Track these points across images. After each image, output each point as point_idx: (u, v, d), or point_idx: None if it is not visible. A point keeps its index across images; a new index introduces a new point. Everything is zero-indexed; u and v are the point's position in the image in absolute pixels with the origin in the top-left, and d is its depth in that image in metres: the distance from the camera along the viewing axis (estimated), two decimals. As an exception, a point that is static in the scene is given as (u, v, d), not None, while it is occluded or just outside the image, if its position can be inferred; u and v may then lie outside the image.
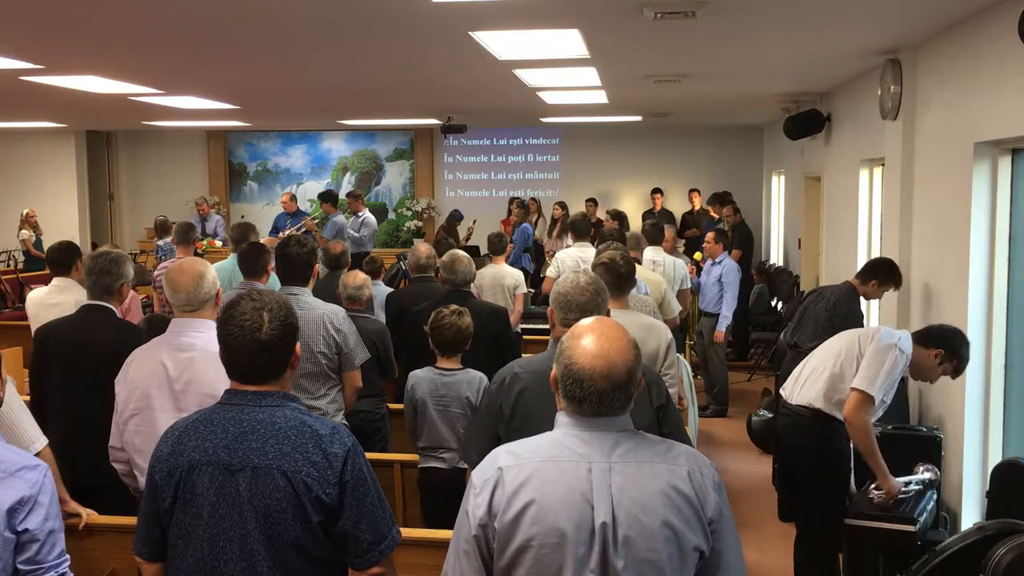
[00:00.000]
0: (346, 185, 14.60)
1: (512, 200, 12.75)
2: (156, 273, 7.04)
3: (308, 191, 14.62)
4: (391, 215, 15.05)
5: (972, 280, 4.56)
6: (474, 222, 12.55)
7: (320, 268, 7.09)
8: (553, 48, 5.68)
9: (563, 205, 12.22)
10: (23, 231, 12.23)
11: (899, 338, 3.91)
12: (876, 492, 3.96)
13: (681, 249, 10.07)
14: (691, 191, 12.93)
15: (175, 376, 3.10)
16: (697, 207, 12.69)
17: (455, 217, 12.62)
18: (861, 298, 5.36)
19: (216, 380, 3.05)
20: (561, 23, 4.89)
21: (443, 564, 2.00)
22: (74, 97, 8.10)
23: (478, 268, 5.93)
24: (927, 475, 4.15)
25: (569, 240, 7.81)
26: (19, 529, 2.25)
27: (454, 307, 4.13)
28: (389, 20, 4.78)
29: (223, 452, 2.14)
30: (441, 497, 3.94)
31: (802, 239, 9.69)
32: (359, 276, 5.12)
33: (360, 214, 10.84)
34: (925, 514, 4.01)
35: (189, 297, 3.19)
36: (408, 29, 5.03)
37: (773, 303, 10.51)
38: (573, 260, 6.72)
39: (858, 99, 7.10)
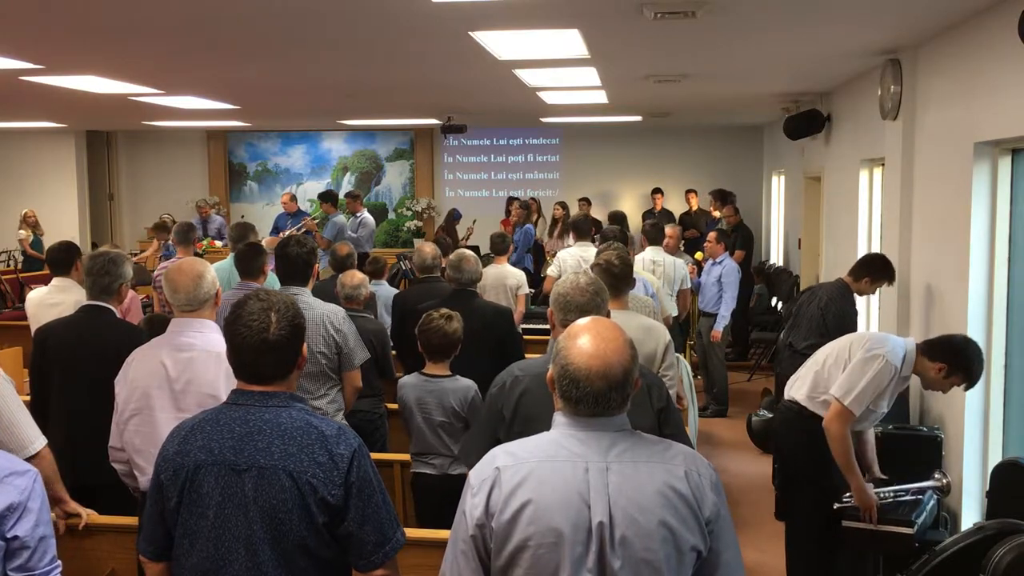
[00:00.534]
0: (346, 185, 14.60)
1: (510, 200, 12.75)
2: (156, 273, 7.04)
3: (308, 191, 14.62)
4: (391, 215, 15.06)
5: (972, 280, 4.56)
6: (474, 222, 12.55)
7: (325, 269, 7.10)
8: (553, 48, 5.68)
9: (563, 205, 12.23)
10: (21, 231, 12.25)
11: (889, 348, 3.82)
12: (849, 501, 3.94)
13: (681, 249, 10.07)
14: (688, 192, 12.92)
15: (175, 376, 3.10)
16: (694, 207, 12.69)
17: (453, 216, 12.63)
18: (856, 295, 5.36)
19: (216, 380, 3.07)
20: (561, 23, 4.89)
21: (441, 564, 2.01)
22: (74, 97, 8.10)
23: (480, 268, 5.92)
24: (928, 483, 4.12)
25: (570, 240, 7.81)
26: (8, 536, 2.23)
27: (444, 311, 4.04)
28: (389, 20, 4.78)
29: (229, 452, 2.14)
30: (432, 502, 3.93)
31: (802, 239, 9.68)
32: (356, 276, 5.11)
33: (358, 215, 10.85)
34: (924, 515, 4.01)
35: (188, 297, 3.19)
36: (408, 29, 5.03)
37: (773, 303, 10.51)
38: (575, 259, 6.72)
39: (858, 99, 7.10)
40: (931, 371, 3.84)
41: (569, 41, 5.38)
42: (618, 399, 1.94)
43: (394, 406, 4.90)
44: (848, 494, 3.94)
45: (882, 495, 3.98)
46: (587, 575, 1.85)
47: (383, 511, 2.18)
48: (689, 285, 7.30)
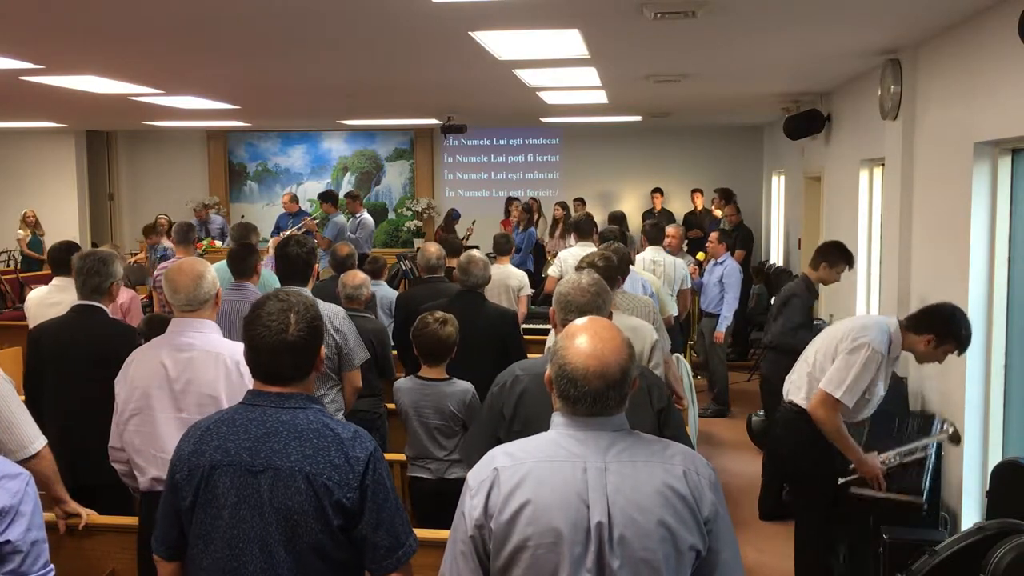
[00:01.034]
0: (346, 185, 14.60)
1: (509, 200, 12.76)
2: (156, 273, 7.04)
3: (308, 191, 14.62)
4: (391, 215, 15.05)
5: (972, 280, 4.56)
6: (473, 223, 12.55)
7: (325, 269, 7.11)
8: (553, 48, 5.68)
9: (564, 205, 12.24)
10: (19, 231, 12.25)
11: (873, 335, 3.83)
12: (854, 475, 3.95)
13: (685, 249, 10.07)
14: (694, 191, 12.92)
15: (175, 376, 3.10)
16: (700, 207, 12.67)
17: (452, 216, 12.63)
18: (821, 284, 5.44)
19: (216, 380, 3.07)
20: (561, 23, 4.89)
21: (440, 565, 2.00)
22: (74, 97, 8.10)
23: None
24: (933, 438, 4.08)
25: (571, 240, 7.80)
26: (0, 540, 2.20)
27: (439, 315, 4.02)
28: (389, 20, 4.78)
29: (245, 453, 2.14)
30: (428, 505, 3.93)
31: (802, 239, 9.68)
32: (358, 276, 5.12)
33: (358, 215, 10.86)
34: (929, 475, 4.00)
35: (189, 297, 3.19)
36: (408, 29, 5.03)
37: (772, 303, 10.49)
38: (576, 259, 6.71)
39: (858, 99, 7.10)
40: (920, 344, 3.88)
41: (569, 41, 5.37)
42: (616, 399, 1.94)
43: (393, 406, 4.91)
44: (852, 467, 3.96)
45: (887, 460, 3.98)
46: (586, 575, 1.85)
47: (397, 516, 2.17)
48: (689, 285, 7.30)
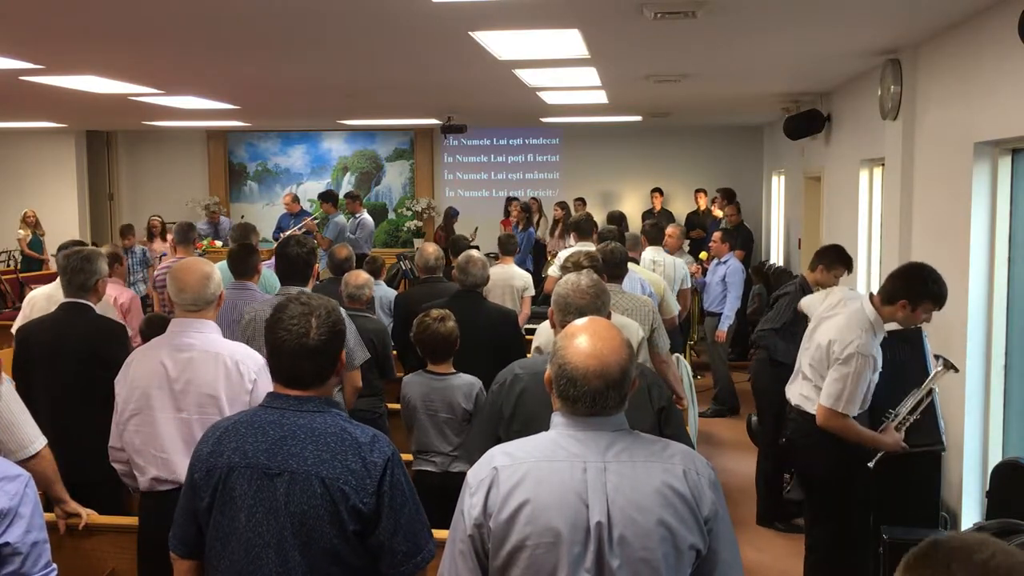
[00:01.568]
0: (346, 185, 14.60)
1: (509, 200, 12.75)
2: (156, 273, 7.04)
3: (308, 191, 14.62)
4: (391, 215, 15.06)
5: (972, 280, 4.56)
6: (475, 230, 12.51)
7: (325, 270, 7.11)
8: (553, 48, 5.68)
9: (563, 205, 12.24)
10: (19, 231, 12.25)
11: (855, 337, 3.82)
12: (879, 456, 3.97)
13: (687, 250, 10.07)
14: (697, 191, 12.91)
15: (175, 376, 3.10)
16: (703, 207, 12.66)
17: (451, 214, 12.63)
18: (819, 287, 5.43)
19: (216, 380, 3.07)
20: (561, 23, 4.89)
21: (439, 564, 2.00)
22: (74, 97, 8.11)
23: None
24: (933, 378, 4.05)
25: (571, 240, 7.80)
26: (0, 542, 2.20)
27: (437, 312, 4.05)
28: (389, 20, 4.78)
29: (262, 456, 2.14)
30: (432, 500, 3.93)
31: (802, 239, 9.68)
32: (361, 275, 5.12)
33: (357, 215, 10.86)
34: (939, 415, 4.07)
35: (195, 297, 3.18)
36: (408, 29, 5.03)
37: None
38: (575, 260, 6.70)
39: (858, 99, 7.10)
40: (898, 312, 3.86)
41: (569, 41, 5.37)
42: (615, 398, 1.94)
43: (394, 406, 4.90)
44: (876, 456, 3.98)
45: (900, 421, 3.97)
46: (585, 575, 1.85)
47: (416, 521, 2.17)
48: (689, 285, 7.29)
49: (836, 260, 5.32)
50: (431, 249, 5.76)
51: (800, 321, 4.94)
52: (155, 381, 3.12)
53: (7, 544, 2.18)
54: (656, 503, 1.87)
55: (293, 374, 2.20)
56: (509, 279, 6.59)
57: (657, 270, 6.91)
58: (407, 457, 4.15)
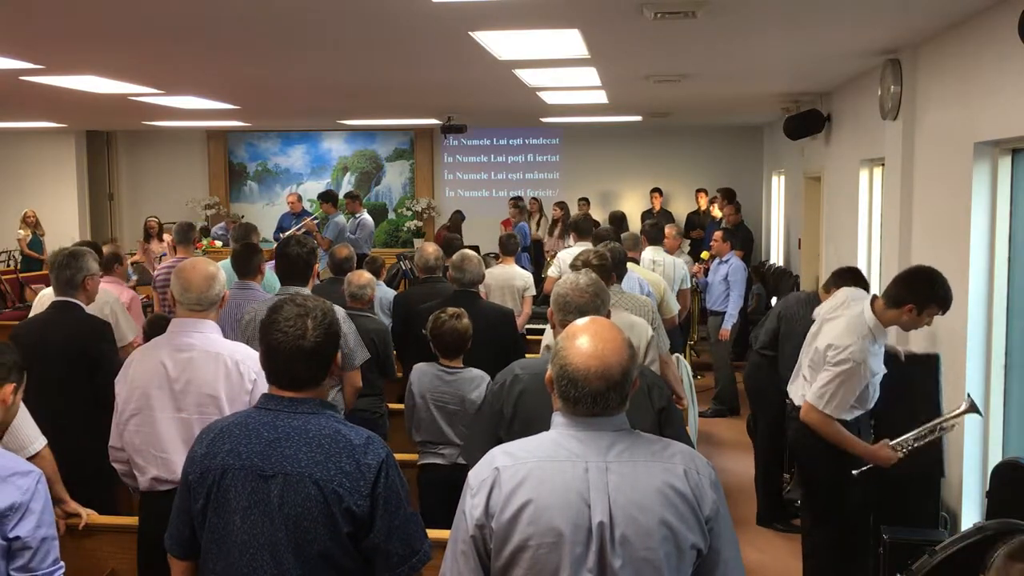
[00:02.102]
0: (346, 185, 14.60)
1: (512, 199, 12.77)
2: (157, 273, 7.04)
3: (308, 191, 14.61)
4: (391, 215, 15.06)
5: (972, 280, 4.56)
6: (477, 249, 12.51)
7: (325, 270, 7.12)
8: (553, 48, 5.68)
9: (563, 205, 12.24)
10: (19, 231, 12.25)
11: (851, 343, 3.81)
12: (867, 467, 3.94)
13: (686, 249, 10.07)
14: (698, 191, 12.92)
15: (175, 376, 3.10)
16: (703, 207, 12.66)
17: (459, 218, 12.63)
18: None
19: (215, 380, 3.07)
20: (561, 23, 4.89)
21: (441, 565, 2.00)
22: (74, 97, 8.10)
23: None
24: (951, 415, 4.04)
25: (571, 240, 7.81)
26: (10, 536, 2.22)
27: (452, 310, 4.15)
28: (389, 20, 4.78)
29: (256, 458, 2.13)
30: (440, 493, 3.95)
31: (802, 239, 9.68)
32: (364, 275, 5.14)
33: (357, 215, 10.86)
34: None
35: (200, 297, 3.17)
36: (408, 29, 5.03)
37: (772, 303, 10.49)
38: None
39: (858, 99, 7.10)
40: (903, 316, 3.84)
41: (569, 41, 5.37)
42: (617, 399, 1.94)
43: (394, 406, 4.90)
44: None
45: (900, 447, 3.96)
46: (587, 575, 1.85)
47: (411, 523, 2.16)
48: (689, 285, 7.30)
49: (854, 284, 5.24)
50: (430, 249, 5.77)
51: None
52: (155, 381, 3.12)
53: (17, 538, 2.21)
54: (657, 503, 1.87)
55: (288, 376, 2.19)
56: (510, 279, 6.59)
57: (657, 270, 6.91)
58: (412, 456, 4.17)
